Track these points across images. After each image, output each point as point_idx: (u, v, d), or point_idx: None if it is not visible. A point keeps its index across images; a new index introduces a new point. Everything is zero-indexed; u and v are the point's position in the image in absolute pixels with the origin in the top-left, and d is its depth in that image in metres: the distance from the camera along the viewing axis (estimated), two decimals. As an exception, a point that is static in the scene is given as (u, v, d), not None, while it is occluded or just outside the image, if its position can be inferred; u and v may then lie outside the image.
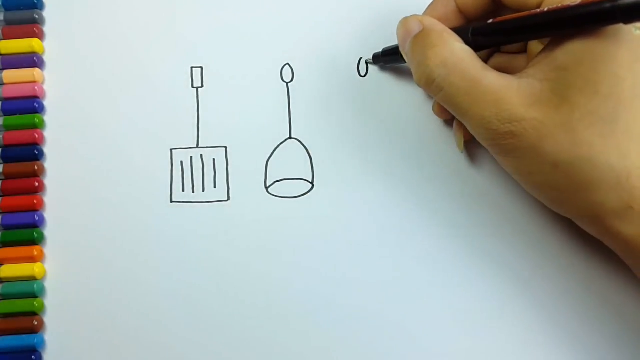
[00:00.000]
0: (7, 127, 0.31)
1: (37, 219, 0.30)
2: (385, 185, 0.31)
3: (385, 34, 0.32)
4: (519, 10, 0.25)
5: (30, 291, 0.30)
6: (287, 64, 0.32)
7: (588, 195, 0.23)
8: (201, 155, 0.31)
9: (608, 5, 0.20)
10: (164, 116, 0.31)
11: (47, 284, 0.30)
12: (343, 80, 0.31)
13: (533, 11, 0.23)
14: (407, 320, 0.29)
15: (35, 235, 0.30)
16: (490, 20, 0.25)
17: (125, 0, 0.32)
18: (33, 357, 0.29)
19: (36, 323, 0.29)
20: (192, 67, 0.32)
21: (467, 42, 0.25)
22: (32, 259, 0.30)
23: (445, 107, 0.26)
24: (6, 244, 0.30)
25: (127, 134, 0.31)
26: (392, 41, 0.32)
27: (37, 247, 0.30)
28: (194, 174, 0.31)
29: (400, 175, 0.31)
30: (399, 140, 0.31)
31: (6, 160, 0.31)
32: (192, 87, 0.32)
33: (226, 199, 0.31)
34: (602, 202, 0.23)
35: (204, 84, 0.32)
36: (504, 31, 0.25)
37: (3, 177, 0.31)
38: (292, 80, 0.32)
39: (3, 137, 0.31)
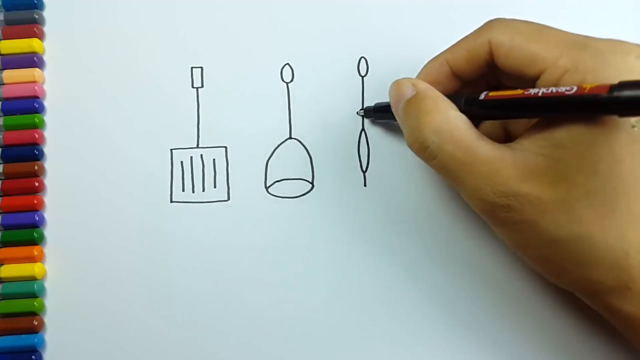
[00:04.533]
0: (7, 127, 0.31)
1: (37, 219, 0.30)
2: (386, 186, 0.31)
3: (385, 33, 0.32)
4: (514, 75, 0.24)
5: (30, 291, 0.30)
6: (287, 64, 0.32)
7: (586, 273, 0.22)
8: (201, 155, 0.31)
9: (604, 96, 0.20)
10: (164, 116, 0.31)
11: (47, 284, 0.30)
12: (343, 80, 0.31)
13: (527, 93, 0.22)
14: (405, 321, 0.29)
15: (35, 235, 0.30)
16: (483, 94, 0.24)
17: (125, 0, 0.32)
18: (33, 357, 0.29)
19: (36, 323, 0.29)
20: (192, 67, 0.32)
21: (459, 110, 0.25)
22: (32, 259, 0.30)
23: (439, 173, 0.25)
24: (6, 244, 0.30)
25: (127, 134, 0.31)
26: (393, 40, 0.32)
27: (37, 247, 0.30)
28: (194, 174, 0.31)
29: (401, 174, 0.31)
30: (402, 139, 0.31)
31: (6, 160, 0.31)
32: (192, 87, 0.32)
33: (226, 199, 0.31)
34: (600, 280, 0.22)
35: (204, 84, 0.32)
36: (498, 107, 0.24)
37: (3, 177, 0.31)
38: (292, 80, 0.32)
39: (3, 137, 0.31)
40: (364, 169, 0.31)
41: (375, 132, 0.31)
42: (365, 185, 0.31)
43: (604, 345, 0.29)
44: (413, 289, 0.30)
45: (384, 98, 0.31)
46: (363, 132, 0.31)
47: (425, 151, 0.24)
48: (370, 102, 0.31)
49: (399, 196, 0.30)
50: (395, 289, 0.30)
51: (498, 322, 0.29)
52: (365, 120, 0.31)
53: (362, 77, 0.32)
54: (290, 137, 0.31)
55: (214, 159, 0.31)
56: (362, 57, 0.32)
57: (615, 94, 0.20)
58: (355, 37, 0.32)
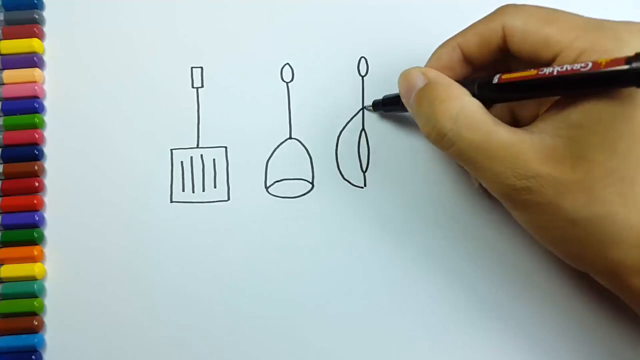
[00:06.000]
0: (7, 127, 0.31)
1: (37, 219, 0.30)
2: (386, 186, 0.31)
3: (385, 33, 0.32)
4: (528, 61, 0.24)
5: (30, 291, 0.30)
6: (287, 64, 0.32)
7: (606, 252, 0.22)
8: (201, 155, 0.31)
9: (622, 69, 0.20)
10: (164, 116, 0.31)
11: (47, 284, 0.30)
12: (343, 80, 0.31)
13: (541, 73, 0.22)
14: (406, 322, 0.29)
15: (35, 235, 0.30)
16: (496, 77, 0.24)
17: (125, 0, 0.32)
18: (33, 357, 0.29)
19: (36, 323, 0.29)
20: (192, 67, 0.32)
21: (472, 95, 0.24)
22: (32, 259, 0.30)
23: (457, 161, 0.25)
24: (6, 244, 0.30)
25: (127, 134, 0.31)
26: (393, 40, 0.32)
27: (37, 247, 0.30)
28: (194, 174, 0.31)
29: (401, 174, 0.31)
30: (402, 139, 0.31)
31: (6, 160, 0.31)
32: (192, 87, 0.32)
33: (226, 199, 0.31)
34: (621, 259, 0.22)
35: (204, 84, 0.32)
36: (512, 89, 0.24)
37: (3, 177, 0.31)
38: (292, 80, 0.32)
39: (3, 137, 0.31)
40: (364, 169, 0.31)
41: (375, 132, 0.31)
42: (365, 185, 0.31)
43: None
44: (414, 288, 0.30)
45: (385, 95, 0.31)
46: (363, 132, 0.31)
47: (442, 139, 0.24)
48: (370, 102, 0.31)
49: (399, 196, 0.30)
50: (395, 288, 0.30)
51: (499, 321, 0.29)
52: (366, 120, 0.31)
53: (362, 77, 0.32)
54: (290, 137, 0.31)
55: (214, 159, 0.31)
56: (362, 57, 0.32)
57: (634, 65, 0.19)
58: (355, 37, 0.32)
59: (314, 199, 0.31)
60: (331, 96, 0.31)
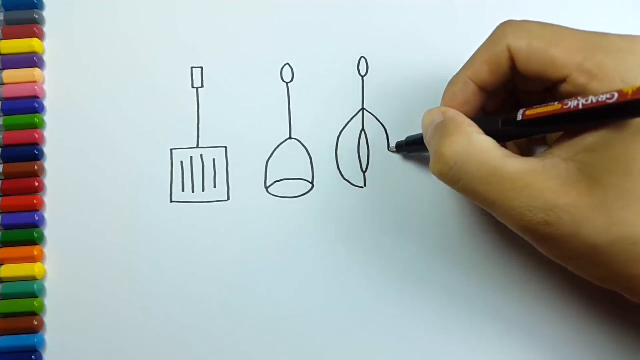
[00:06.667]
0: (7, 127, 0.31)
1: (37, 219, 0.30)
2: (386, 186, 0.31)
3: (385, 33, 0.32)
4: (536, 80, 0.24)
5: (30, 291, 0.30)
6: (287, 64, 0.32)
7: (632, 271, 0.22)
8: (201, 155, 0.31)
9: None
10: (164, 116, 0.31)
11: (47, 284, 0.30)
12: (343, 80, 0.31)
13: (567, 107, 0.22)
14: (406, 321, 0.29)
15: (35, 235, 0.30)
16: (520, 113, 0.24)
17: (125, 0, 0.32)
18: (33, 357, 0.29)
19: (36, 323, 0.29)
20: (192, 67, 0.32)
21: (496, 132, 0.24)
22: (32, 259, 0.30)
23: (467, 197, 0.24)
24: (6, 244, 0.30)
25: (127, 134, 0.31)
26: (393, 40, 0.32)
27: (37, 247, 0.30)
28: (194, 174, 0.31)
29: (401, 174, 0.31)
30: (402, 139, 0.31)
31: (6, 160, 0.31)
32: (192, 87, 0.32)
33: (226, 199, 0.31)
34: None
35: (204, 84, 0.32)
36: (537, 125, 0.23)
37: (3, 177, 0.31)
38: (292, 80, 0.32)
39: (3, 137, 0.31)
40: (364, 169, 0.31)
41: (375, 132, 0.31)
42: (365, 185, 0.31)
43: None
44: (413, 288, 0.30)
45: (384, 98, 0.31)
46: (363, 132, 0.31)
47: (447, 175, 0.24)
48: (370, 102, 0.31)
49: (398, 196, 0.30)
50: (395, 288, 0.30)
51: (501, 321, 0.29)
52: (365, 120, 0.31)
53: (362, 77, 0.32)
54: (290, 137, 0.31)
55: (214, 159, 0.31)
56: (362, 57, 0.32)
57: None
58: (355, 37, 0.32)
59: (314, 199, 0.31)
60: (331, 96, 0.31)
